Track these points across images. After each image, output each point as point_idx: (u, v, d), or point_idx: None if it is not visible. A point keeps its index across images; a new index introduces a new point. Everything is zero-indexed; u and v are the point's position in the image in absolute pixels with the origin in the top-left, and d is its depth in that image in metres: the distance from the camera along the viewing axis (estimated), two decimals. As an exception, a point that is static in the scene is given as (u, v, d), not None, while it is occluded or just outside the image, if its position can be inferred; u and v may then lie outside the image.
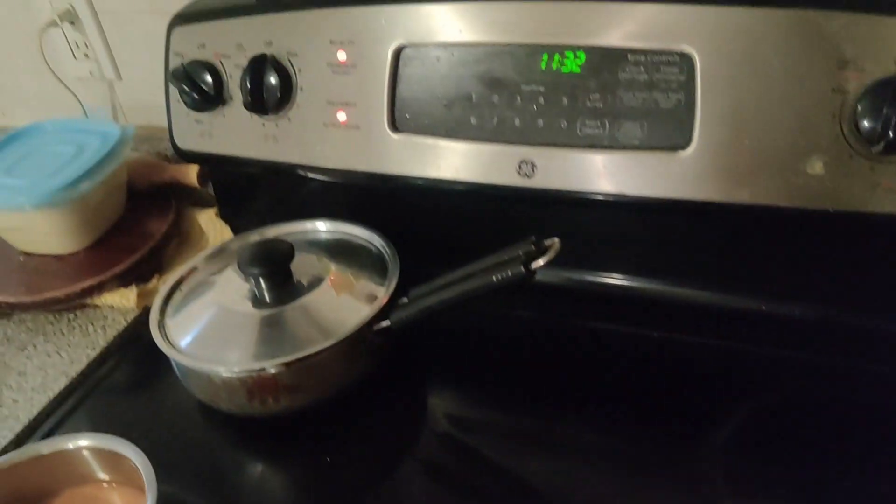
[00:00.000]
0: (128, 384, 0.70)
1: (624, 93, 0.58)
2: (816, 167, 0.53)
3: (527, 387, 0.63)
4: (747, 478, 0.53)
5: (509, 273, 0.53)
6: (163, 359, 0.62)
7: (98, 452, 0.52)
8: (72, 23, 0.89)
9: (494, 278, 0.54)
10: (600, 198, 0.60)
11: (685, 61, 0.55)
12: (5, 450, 0.62)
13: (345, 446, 0.59)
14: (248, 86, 0.68)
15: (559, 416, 0.60)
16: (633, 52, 0.57)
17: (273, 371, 0.57)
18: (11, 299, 0.76)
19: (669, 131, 0.57)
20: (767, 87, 0.53)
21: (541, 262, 0.52)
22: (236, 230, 0.82)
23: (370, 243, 0.70)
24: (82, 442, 0.52)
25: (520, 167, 0.62)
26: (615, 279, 0.69)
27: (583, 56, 0.59)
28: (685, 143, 0.56)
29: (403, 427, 0.61)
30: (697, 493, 0.52)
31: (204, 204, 0.88)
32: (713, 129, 0.55)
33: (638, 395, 0.60)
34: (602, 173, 0.59)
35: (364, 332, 0.60)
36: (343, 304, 0.63)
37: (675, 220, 0.64)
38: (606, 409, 0.60)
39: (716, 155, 0.56)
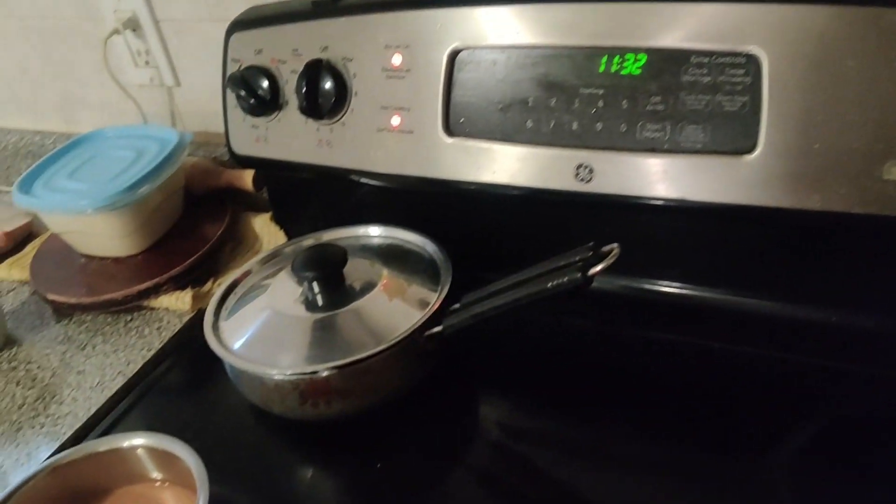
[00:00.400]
0: (182, 385, 0.71)
1: (686, 95, 0.56)
2: (894, 172, 0.51)
3: (581, 396, 0.61)
4: (813, 497, 0.51)
5: (566, 279, 0.52)
6: (216, 361, 0.62)
7: (152, 452, 0.52)
8: (134, 30, 0.91)
9: (550, 284, 0.53)
10: (660, 203, 0.59)
11: (752, 63, 0.53)
12: (64, 446, 0.63)
13: (396, 452, 0.58)
14: (304, 90, 0.69)
15: (615, 427, 0.58)
16: (697, 53, 0.55)
17: (325, 374, 0.57)
18: (73, 300, 0.78)
19: (734, 135, 0.55)
20: (840, 88, 0.51)
21: (599, 268, 0.51)
22: (290, 235, 0.82)
23: (423, 249, 0.69)
24: (137, 441, 0.52)
25: (577, 171, 0.61)
26: (674, 288, 0.67)
27: (644, 58, 0.57)
28: (750, 147, 0.54)
29: (454, 434, 0.60)
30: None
31: (259, 209, 0.88)
32: (780, 133, 0.53)
33: (698, 408, 0.58)
34: (662, 178, 0.58)
35: (416, 338, 0.59)
36: (395, 309, 0.62)
37: (739, 227, 0.62)
38: (664, 421, 0.58)
39: (783, 159, 0.53)
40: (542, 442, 0.58)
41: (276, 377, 0.58)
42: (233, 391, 0.64)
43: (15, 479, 0.52)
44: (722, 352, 0.63)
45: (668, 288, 0.67)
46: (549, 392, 0.62)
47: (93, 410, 0.66)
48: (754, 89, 0.54)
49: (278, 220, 0.85)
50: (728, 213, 0.57)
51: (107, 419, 0.66)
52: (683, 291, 0.67)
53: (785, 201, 0.54)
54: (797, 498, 0.51)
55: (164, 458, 0.52)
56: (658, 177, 0.58)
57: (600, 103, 0.59)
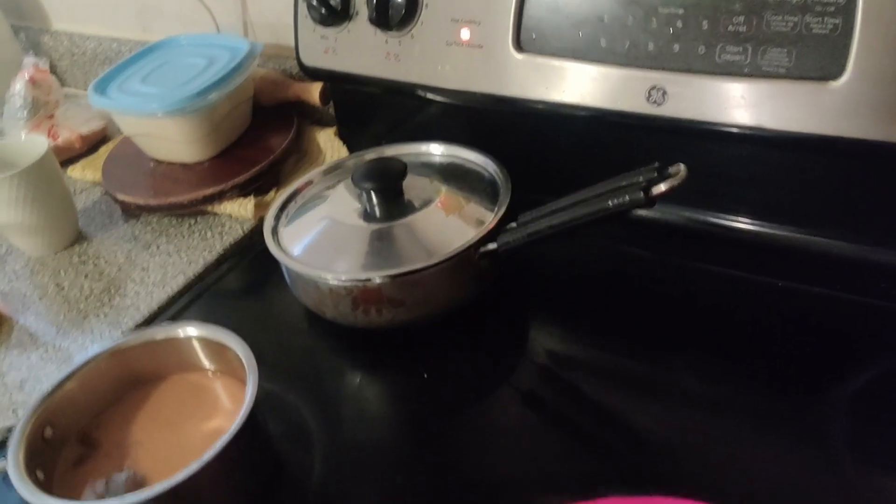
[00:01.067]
0: (240, 288, 0.72)
1: (772, 16, 0.53)
2: None
3: (635, 329, 0.60)
4: (868, 441, 0.49)
5: (627, 199, 0.50)
6: (274, 267, 0.63)
7: (206, 342, 0.54)
8: (211, -62, 0.91)
9: (611, 203, 0.51)
10: (735, 131, 0.56)
11: (848, -20, 0.50)
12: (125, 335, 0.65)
13: (443, 365, 0.59)
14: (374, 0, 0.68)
15: (667, 361, 0.56)
16: (789, -31, 0.52)
17: (378, 282, 0.57)
18: (140, 201, 0.80)
19: (821, 59, 0.52)
20: (944, 11, 0.47)
21: (663, 188, 0.49)
22: (353, 150, 0.82)
23: (484, 168, 0.68)
24: (192, 331, 0.54)
25: (649, 94, 0.58)
26: (743, 223, 0.64)
27: (729, -26, 0.54)
28: (837, 73, 0.51)
29: (502, 354, 0.60)
30: (810, 453, 0.48)
31: (324, 123, 0.88)
32: (872, 58, 0.50)
33: (754, 346, 0.56)
34: (740, 104, 0.55)
35: (470, 254, 0.58)
36: (451, 224, 0.62)
37: (819, 160, 0.58)
38: (718, 357, 0.56)
39: (873, 86, 0.50)
40: (591, 370, 0.58)
41: (331, 282, 0.58)
42: (289, 296, 0.65)
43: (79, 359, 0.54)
44: (789, 290, 0.60)
45: (736, 223, 0.64)
46: (604, 322, 0.61)
47: (154, 305, 0.69)
48: (847, 10, 0.50)
49: (342, 135, 0.85)
50: (808, 144, 0.54)
51: (166, 314, 0.68)
52: (753, 227, 0.64)
53: (872, 132, 0.51)
54: (848, 442, 0.49)
55: (216, 350, 0.53)
56: (735, 102, 0.55)
57: (679, 23, 0.56)
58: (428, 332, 0.61)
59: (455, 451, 0.52)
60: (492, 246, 0.59)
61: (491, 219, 0.60)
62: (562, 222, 0.55)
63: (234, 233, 0.77)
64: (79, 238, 0.80)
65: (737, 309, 0.60)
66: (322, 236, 0.63)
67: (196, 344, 0.54)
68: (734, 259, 0.63)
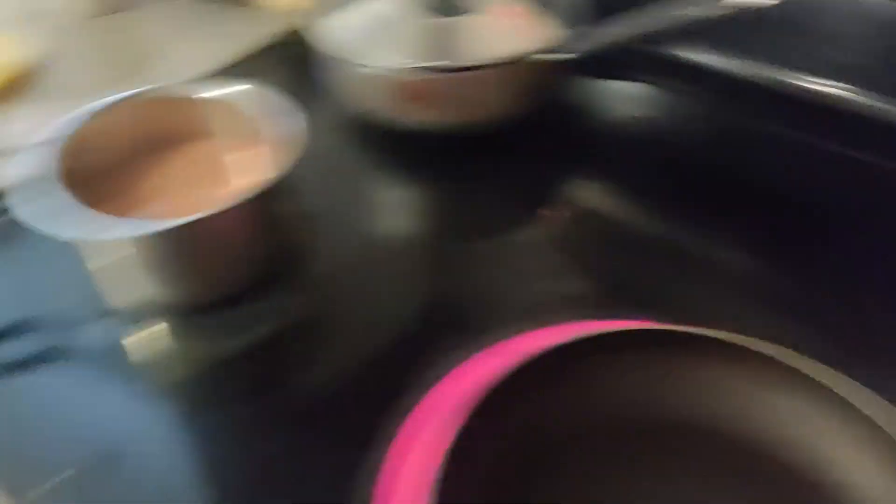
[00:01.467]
0: (275, 83, 0.67)
1: None
2: None
3: (689, 192, 0.54)
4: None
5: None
6: (315, 63, 0.59)
7: (252, 102, 0.49)
8: None
9: (691, 11, 0.46)
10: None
11: None
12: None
13: (472, 182, 0.55)
14: None
15: (709, 228, 0.51)
16: None
17: (427, 75, 0.53)
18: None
19: None
20: None
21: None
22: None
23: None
24: (239, 91, 0.49)
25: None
26: (813, 83, 0.58)
27: None
28: None
29: (545, 184, 0.56)
30: (801, 308, 0.44)
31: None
32: None
33: (793, 212, 0.51)
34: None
35: (532, 59, 0.54)
36: (517, 28, 0.57)
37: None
38: (756, 221, 0.50)
39: None
40: (627, 228, 0.52)
41: (377, 71, 0.54)
42: (329, 95, 0.60)
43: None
44: (848, 159, 0.55)
45: (807, 83, 0.58)
46: (660, 180, 0.55)
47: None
48: None
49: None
50: None
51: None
52: (823, 89, 0.58)
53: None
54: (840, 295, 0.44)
55: (246, 120, 0.48)
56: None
57: None
58: (468, 143, 0.56)
59: (464, 264, 0.49)
60: (560, 54, 0.54)
61: (560, 27, 0.55)
62: (637, 31, 0.50)
63: (278, 25, 0.72)
64: (113, 9, 0.76)
65: (785, 174, 0.54)
66: (370, 30, 0.58)
67: (229, 107, 0.49)
68: (797, 122, 0.57)
